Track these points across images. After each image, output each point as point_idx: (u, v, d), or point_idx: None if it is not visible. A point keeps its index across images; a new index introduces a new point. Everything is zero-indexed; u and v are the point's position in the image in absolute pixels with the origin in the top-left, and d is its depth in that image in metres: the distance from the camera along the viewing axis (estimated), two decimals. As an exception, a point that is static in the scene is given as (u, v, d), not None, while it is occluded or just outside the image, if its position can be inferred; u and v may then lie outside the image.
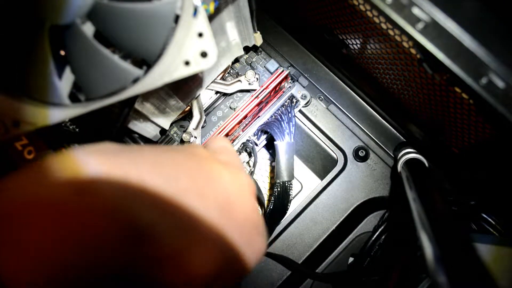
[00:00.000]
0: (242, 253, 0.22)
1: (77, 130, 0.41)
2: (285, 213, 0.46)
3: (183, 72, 0.25)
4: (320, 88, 0.50)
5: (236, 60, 0.48)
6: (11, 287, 0.14)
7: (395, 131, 0.49)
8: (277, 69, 0.48)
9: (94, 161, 0.18)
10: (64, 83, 0.24)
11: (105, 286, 0.17)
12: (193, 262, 0.18)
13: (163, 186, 0.19)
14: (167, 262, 0.18)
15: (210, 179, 0.22)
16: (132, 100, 0.32)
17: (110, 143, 0.20)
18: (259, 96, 0.44)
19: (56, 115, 0.25)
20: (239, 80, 0.46)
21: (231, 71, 0.48)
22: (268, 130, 0.45)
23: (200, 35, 0.25)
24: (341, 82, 0.50)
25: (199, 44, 0.25)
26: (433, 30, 0.26)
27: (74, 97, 0.25)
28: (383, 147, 0.49)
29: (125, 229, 0.17)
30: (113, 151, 0.19)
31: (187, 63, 0.25)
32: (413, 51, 0.30)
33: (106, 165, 0.18)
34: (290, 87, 0.48)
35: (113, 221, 0.16)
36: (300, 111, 0.50)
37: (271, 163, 0.56)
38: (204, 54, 0.25)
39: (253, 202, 0.24)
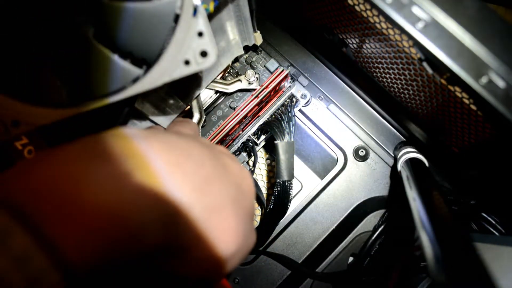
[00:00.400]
0: (249, 237, 0.24)
1: (76, 129, 0.41)
2: (285, 212, 0.46)
3: (183, 71, 0.25)
4: (320, 88, 0.50)
5: (236, 60, 0.48)
6: (68, 260, 0.15)
7: (395, 131, 0.49)
8: (277, 68, 0.48)
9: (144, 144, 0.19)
10: (64, 82, 0.24)
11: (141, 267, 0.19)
12: (221, 242, 0.20)
13: (195, 171, 0.20)
14: (198, 242, 0.20)
15: (224, 166, 0.23)
16: (132, 99, 0.32)
17: (137, 129, 0.22)
18: (259, 95, 0.44)
19: (56, 114, 0.25)
20: (239, 80, 0.46)
21: (231, 70, 0.48)
22: (268, 130, 0.45)
23: (200, 34, 0.25)
24: (341, 81, 0.50)
25: (199, 44, 0.25)
26: (433, 29, 0.26)
27: (73, 96, 0.25)
28: (383, 146, 0.49)
29: (166, 213, 0.18)
30: (147, 135, 0.21)
31: (187, 62, 0.25)
32: (413, 50, 0.30)
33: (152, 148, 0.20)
34: (290, 86, 0.48)
35: (157, 207, 0.18)
36: (300, 110, 0.50)
37: (271, 163, 0.56)
38: (204, 54, 0.25)
39: (254, 190, 0.26)
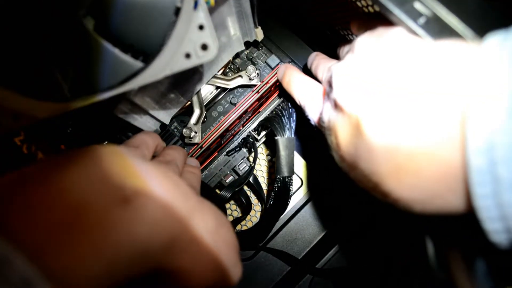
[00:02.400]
0: (232, 270, 0.24)
1: (75, 125, 0.41)
2: (285, 208, 0.46)
3: (183, 64, 0.25)
4: (321, 84, 0.50)
5: (237, 55, 0.48)
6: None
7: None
8: (278, 64, 0.48)
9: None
10: (65, 76, 0.24)
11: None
12: (195, 276, 0.21)
13: (182, 203, 0.21)
14: (173, 274, 0.20)
15: (202, 202, 0.24)
16: (123, 96, 0.32)
17: (129, 148, 0.23)
18: (259, 91, 0.44)
19: (56, 108, 0.25)
20: (240, 76, 0.46)
21: (232, 66, 0.48)
22: (269, 126, 0.45)
23: (201, 27, 0.25)
24: (342, 78, 0.50)
25: (199, 37, 0.25)
26: (435, 25, 0.26)
27: (74, 90, 0.25)
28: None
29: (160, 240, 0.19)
30: (139, 156, 0.22)
31: (187, 55, 0.25)
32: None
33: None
34: (291, 82, 0.48)
35: (162, 227, 0.19)
36: (300, 106, 0.50)
37: (271, 159, 0.56)
38: (204, 47, 0.25)
39: (231, 227, 0.26)
